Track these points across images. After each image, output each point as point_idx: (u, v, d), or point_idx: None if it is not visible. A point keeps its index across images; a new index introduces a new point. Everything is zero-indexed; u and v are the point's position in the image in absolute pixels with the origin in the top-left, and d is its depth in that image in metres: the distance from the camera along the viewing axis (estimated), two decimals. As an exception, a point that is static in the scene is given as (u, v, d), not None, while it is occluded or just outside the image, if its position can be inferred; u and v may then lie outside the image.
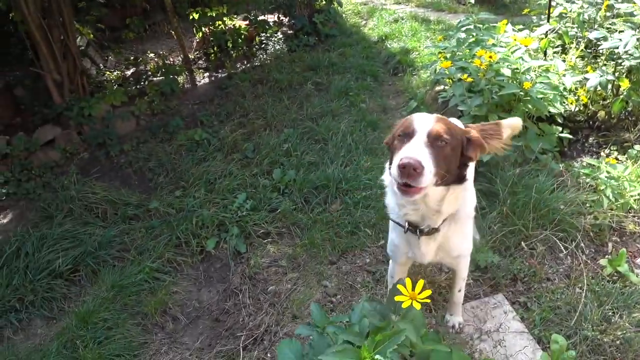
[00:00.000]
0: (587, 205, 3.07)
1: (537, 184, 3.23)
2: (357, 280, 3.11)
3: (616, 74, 3.54)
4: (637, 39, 3.07)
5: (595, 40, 3.70)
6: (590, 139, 4.09)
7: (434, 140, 1.71)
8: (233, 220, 3.64)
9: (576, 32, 3.93)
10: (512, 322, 2.53)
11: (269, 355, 2.64)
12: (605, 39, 3.33)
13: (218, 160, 4.46)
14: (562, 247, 2.95)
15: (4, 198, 4.58)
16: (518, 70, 3.49)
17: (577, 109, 4.10)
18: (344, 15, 8.07)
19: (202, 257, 3.54)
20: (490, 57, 3.30)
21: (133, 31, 6.99)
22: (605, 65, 3.76)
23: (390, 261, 2.44)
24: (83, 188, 4.23)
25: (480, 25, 4.30)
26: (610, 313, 2.46)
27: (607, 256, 2.88)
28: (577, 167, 3.54)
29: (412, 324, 1.43)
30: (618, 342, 2.32)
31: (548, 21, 3.95)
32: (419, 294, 1.43)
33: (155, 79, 6.33)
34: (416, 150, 1.65)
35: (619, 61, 3.47)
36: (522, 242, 3.00)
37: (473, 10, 7.89)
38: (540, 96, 3.38)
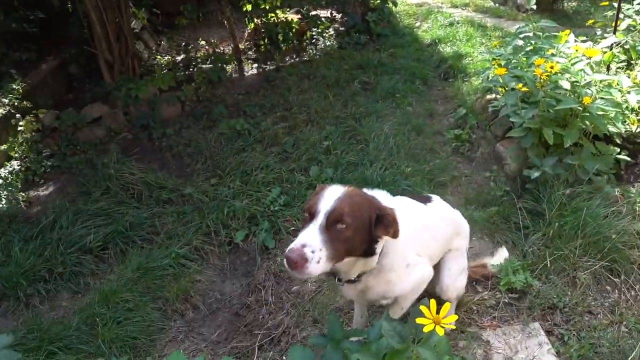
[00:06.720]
0: (643, 236, 2.81)
1: (588, 207, 2.98)
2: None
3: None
4: None
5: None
6: (651, 163, 3.78)
7: (333, 223, 1.61)
8: (265, 214, 3.57)
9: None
10: (546, 355, 2.32)
11: (284, 358, 2.56)
12: (681, 56, 3.04)
13: (257, 152, 4.41)
14: (610, 280, 2.71)
15: (48, 170, 4.72)
16: (578, 84, 3.24)
17: (638, 129, 3.80)
18: (397, 15, 7.87)
19: (229, 248, 3.50)
20: (551, 67, 3.08)
21: (186, 18, 7.06)
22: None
23: None
24: (122, 168, 4.28)
25: (540, 34, 4.05)
26: (659, 358, 2.22)
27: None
28: (634, 193, 3.26)
29: (434, 350, 1.30)
30: (667, 392, 2.10)
31: (614, 33, 3.66)
32: (443, 318, 1.29)
33: (204, 66, 6.37)
34: (306, 239, 1.57)
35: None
36: (567, 269, 2.77)
37: (534, 18, 7.55)
38: (600, 113, 3.12)
